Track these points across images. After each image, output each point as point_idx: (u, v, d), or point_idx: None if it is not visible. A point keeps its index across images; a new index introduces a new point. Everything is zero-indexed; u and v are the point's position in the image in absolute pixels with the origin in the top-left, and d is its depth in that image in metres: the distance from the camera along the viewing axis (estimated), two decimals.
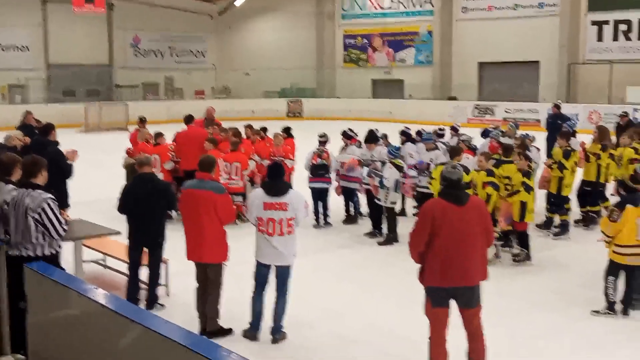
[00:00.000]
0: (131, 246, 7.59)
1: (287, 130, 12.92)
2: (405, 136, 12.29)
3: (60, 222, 5.76)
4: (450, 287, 5.68)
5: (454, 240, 5.61)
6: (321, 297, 8.13)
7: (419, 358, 6.10)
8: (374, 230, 11.00)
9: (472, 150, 11.64)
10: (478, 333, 5.81)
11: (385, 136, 11.91)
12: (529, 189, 9.29)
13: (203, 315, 7.00)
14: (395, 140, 12.07)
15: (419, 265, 5.85)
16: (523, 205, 9.28)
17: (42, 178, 5.86)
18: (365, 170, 10.89)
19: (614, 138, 13.22)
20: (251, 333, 6.88)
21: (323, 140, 11.82)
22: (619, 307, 7.48)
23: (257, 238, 6.78)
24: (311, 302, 7.78)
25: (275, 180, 6.83)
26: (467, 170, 9.32)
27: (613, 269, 7.43)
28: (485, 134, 13.42)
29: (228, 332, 6.95)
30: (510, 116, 28.50)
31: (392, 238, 10.52)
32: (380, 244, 10.53)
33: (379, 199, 10.59)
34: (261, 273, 6.84)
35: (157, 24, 38.46)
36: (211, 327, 6.91)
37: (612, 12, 30.49)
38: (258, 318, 6.88)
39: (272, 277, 6.85)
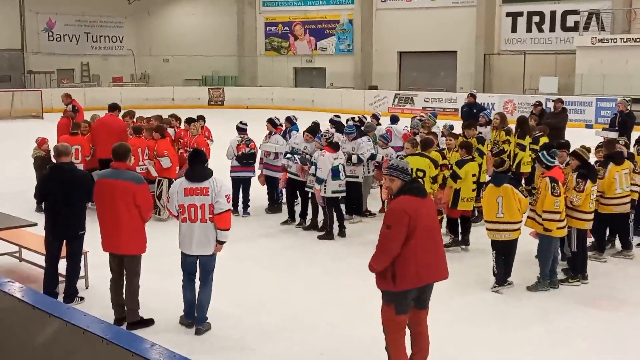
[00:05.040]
0: (49, 238, 7.36)
1: (200, 118, 12.43)
2: (335, 125, 12.24)
3: None
4: (421, 287, 5.40)
5: (426, 236, 5.32)
6: (243, 287, 8.09)
7: (343, 350, 6.17)
8: (290, 219, 11.06)
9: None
10: (426, 332, 5.66)
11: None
12: (455, 177, 9.45)
13: (118, 305, 6.89)
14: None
15: (376, 272, 5.48)
16: (456, 192, 9.49)
17: None
18: (296, 159, 10.76)
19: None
20: (187, 321, 6.86)
21: (244, 128, 11.63)
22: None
23: (181, 228, 6.69)
24: (234, 293, 7.74)
25: (196, 166, 6.70)
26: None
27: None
28: (393, 120, 13.67)
29: (149, 322, 6.87)
30: (429, 105, 29.06)
31: (332, 231, 10.22)
32: (320, 237, 10.24)
33: (309, 187, 10.43)
34: (187, 262, 6.78)
35: (72, 7, 37.17)
36: (132, 319, 6.81)
37: (525, 4, 31.54)
38: (191, 306, 6.84)
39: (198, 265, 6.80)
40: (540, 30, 31.45)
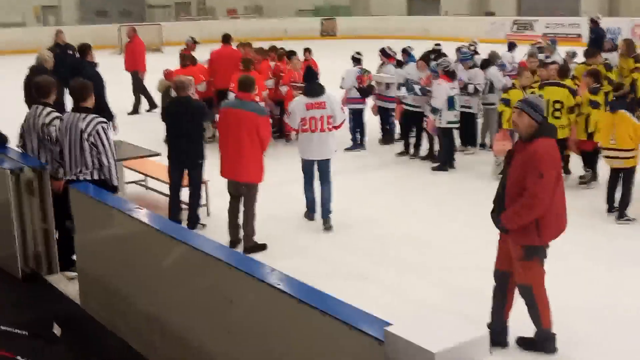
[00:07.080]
0: (171, 167, 7.69)
1: (307, 51, 13.06)
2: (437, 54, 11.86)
3: (111, 147, 5.78)
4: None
5: (560, 182, 4.84)
6: (354, 217, 8.15)
7: (445, 284, 6.24)
8: (405, 150, 10.98)
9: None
10: None
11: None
12: (597, 105, 8.65)
13: (233, 227, 7.19)
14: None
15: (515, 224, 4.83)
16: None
17: (91, 102, 5.88)
18: (403, 90, 10.67)
19: None
20: (309, 215, 7.91)
21: (359, 58, 11.47)
22: None
23: (301, 138, 7.64)
24: (343, 219, 7.86)
25: (312, 83, 7.63)
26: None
27: None
28: (510, 47, 13.11)
29: (263, 247, 7.12)
30: (550, 31, 27.63)
31: (446, 163, 10.07)
32: (434, 169, 10.10)
33: (415, 106, 10.45)
34: (306, 166, 7.71)
35: None
36: (247, 243, 7.08)
37: None
38: (312, 203, 7.86)
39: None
40: None
